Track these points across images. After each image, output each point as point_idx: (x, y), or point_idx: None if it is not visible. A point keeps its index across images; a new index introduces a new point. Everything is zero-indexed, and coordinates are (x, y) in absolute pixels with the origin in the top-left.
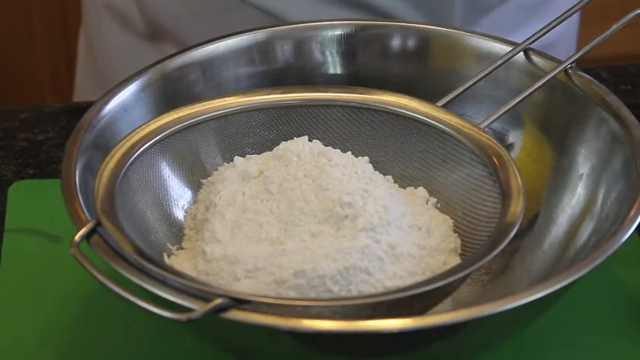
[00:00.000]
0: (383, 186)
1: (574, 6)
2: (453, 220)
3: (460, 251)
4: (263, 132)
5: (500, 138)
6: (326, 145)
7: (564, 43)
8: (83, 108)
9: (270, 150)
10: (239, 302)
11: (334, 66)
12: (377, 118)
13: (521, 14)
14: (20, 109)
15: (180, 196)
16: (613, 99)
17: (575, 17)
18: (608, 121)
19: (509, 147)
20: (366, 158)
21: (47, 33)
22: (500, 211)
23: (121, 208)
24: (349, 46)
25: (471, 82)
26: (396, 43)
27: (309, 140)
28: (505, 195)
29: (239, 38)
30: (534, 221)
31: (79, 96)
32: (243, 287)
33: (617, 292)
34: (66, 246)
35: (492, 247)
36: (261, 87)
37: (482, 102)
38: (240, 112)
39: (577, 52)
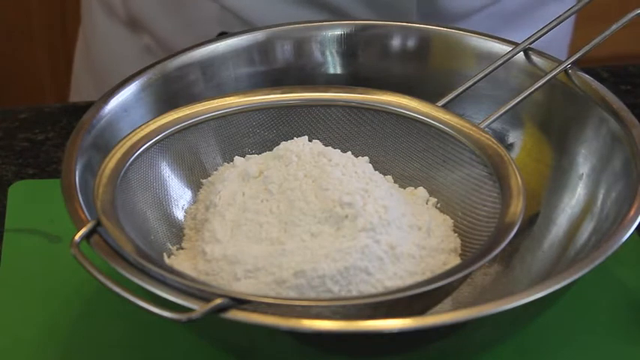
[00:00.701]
0: (383, 186)
1: (573, 6)
2: (453, 220)
3: (460, 251)
4: (263, 132)
5: (500, 138)
6: (326, 145)
7: (556, 46)
8: (83, 108)
9: (270, 150)
10: (239, 302)
11: (334, 66)
12: (377, 118)
13: (498, 22)
14: (20, 109)
15: (180, 196)
16: (613, 99)
17: (569, 21)
18: (608, 121)
19: (509, 147)
20: (366, 158)
21: (47, 33)
22: (500, 211)
23: (121, 208)
24: (349, 46)
25: (470, 82)
26: (396, 43)
27: (309, 140)
28: (505, 195)
29: (239, 38)
30: (534, 221)
31: (75, 90)
32: (243, 287)
33: (617, 292)
34: (66, 246)
35: (492, 247)
36: (261, 87)
37: (482, 102)
38: (240, 112)
39: (577, 52)
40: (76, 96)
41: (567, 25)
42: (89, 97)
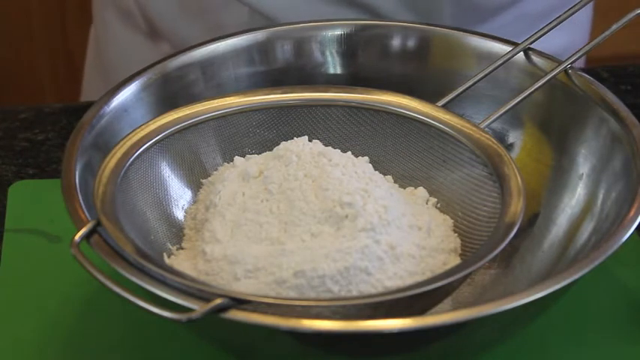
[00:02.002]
0: (383, 186)
1: (574, 6)
2: (453, 220)
3: (460, 251)
4: (263, 132)
5: (500, 138)
6: (326, 145)
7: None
8: (83, 108)
9: (270, 150)
10: (239, 302)
11: (334, 66)
12: (377, 118)
13: (524, 24)
14: (20, 109)
15: (180, 196)
16: (613, 99)
17: (587, 24)
18: (608, 121)
19: (509, 147)
20: (366, 158)
21: (47, 34)
22: (500, 211)
23: (121, 208)
24: (349, 46)
25: (471, 82)
26: (396, 43)
27: (309, 140)
28: (505, 195)
29: (239, 38)
30: (534, 221)
31: (86, 92)
32: (243, 287)
33: (617, 292)
34: (66, 246)
35: (492, 247)
36: (261, 87)
37: (482, 102)
38: (240, 112)
39: (577, 52)
40: (87, 99)
41: (584, 31)
42: None
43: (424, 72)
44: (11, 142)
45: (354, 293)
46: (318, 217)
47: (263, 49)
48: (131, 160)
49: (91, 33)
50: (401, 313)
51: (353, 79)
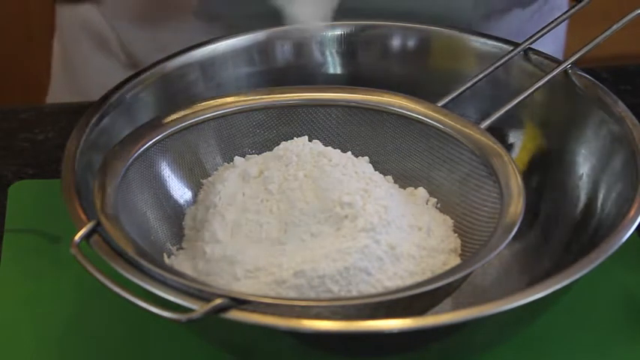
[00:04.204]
0: (383, 186)
1: (574, 5)
2: (453, 220)
3: (460, 251)
4: (263, 132)
5: (500, 138)
6: (326, 145)
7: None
8: (83, 108)
9: (270, 150)
10: (239, 302)
11: (334, 66)
12: (377, 118)
13: (520, 21)
14: (20, 109)
15: (180, 196)
16: (613, 99)
17: (562, 28)
18: (608, 121)
19: (509, 147)
20: (366, 158)
21: (46, 34)
22: (500, 211)
23: (121, 208)
24: (349, 46)
25: (471, 82)
26: (396, 43)
27: (309, 140)
28: (505, 195)
29: (239, 38)
30: (534, 221)
31: (52, 96)
32: (243, 287)
33: (617, 292)
34: (66, 246)
35: (492, 247)
36: (261, 87)
37: (482, 102)
38: (240, 112)
39: (577, 52)
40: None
41: (560, 30)
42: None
43: (424, 72)
44: (11, 142)
45: (354, 293)
46: (318, 217)
47: (263, 49)
48: (131, 160)
49: (55, 45)
50: (401, 313)
51: (353, 79)
